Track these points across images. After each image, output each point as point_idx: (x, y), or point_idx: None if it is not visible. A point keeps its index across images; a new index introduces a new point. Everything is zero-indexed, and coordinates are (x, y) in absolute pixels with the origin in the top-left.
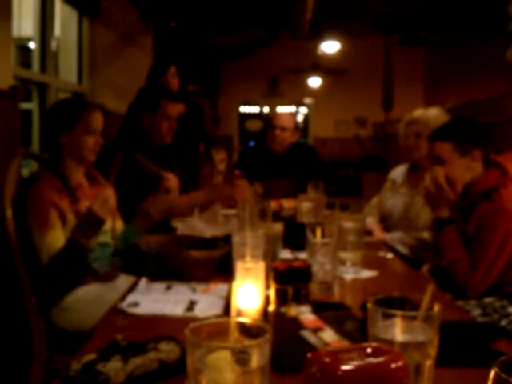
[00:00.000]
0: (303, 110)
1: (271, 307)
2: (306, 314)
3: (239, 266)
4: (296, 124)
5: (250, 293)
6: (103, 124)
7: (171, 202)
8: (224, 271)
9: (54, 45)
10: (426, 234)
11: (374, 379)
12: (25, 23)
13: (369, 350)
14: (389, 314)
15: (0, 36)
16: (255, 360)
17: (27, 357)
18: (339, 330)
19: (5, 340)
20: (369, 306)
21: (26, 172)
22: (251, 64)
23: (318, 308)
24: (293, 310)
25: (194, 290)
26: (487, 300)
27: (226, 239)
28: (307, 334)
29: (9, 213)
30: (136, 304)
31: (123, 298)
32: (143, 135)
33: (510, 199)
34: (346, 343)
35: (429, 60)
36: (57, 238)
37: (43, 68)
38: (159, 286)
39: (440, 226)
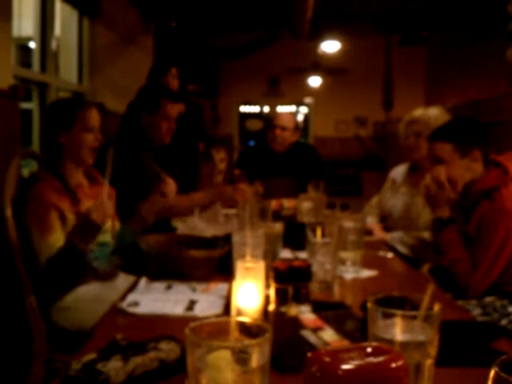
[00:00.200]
0: (303, 109)
1: (271, 307)
2: (306, 314)
3: (239, 266)
4: (296, 124)
5: (250, 292)
6: (100, 121)
7: (165, 205)
8: (224, 271)
9: (54, 44)
10: (426, 234)
11: (374, 379)
12: (25, 23)
13: (369, 350)
14: (389, 314)
15: (0, 36)
16: (255, 359)
17: (27, 356)
18: (339, 329)
19: (5, 339)
20: (369, 305)
21: (26, 172)
22: (251, 64)
23: (318, 307)
24: (293, 310)
25: (194, 290)
26: (487, 299)
27: (226, 239)
28: (307, 334)
29: (9, 212)
30: (136, 303)
31: (123, 297)
32: (142, 135)
33: (510, 199)
34: (346, 343)
35: (429, 60)
36: (56, 239)
37: (43, 68)
38: (159, 286)
39: (440, 226)
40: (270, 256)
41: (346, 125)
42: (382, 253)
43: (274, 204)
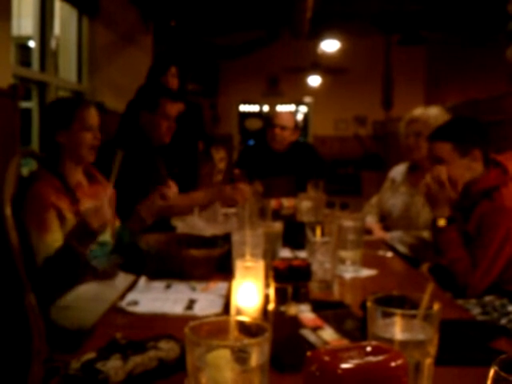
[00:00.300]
0: (303, 108)
1: (271, 306)
2: (305, 313)
3: (239, 265)
4: (296, 123)
5: (249, 291)
6: (99, 120)
7: (164, 205)
8: (224, 270)
9: (53, 44)
10: (425, 234)
11: (374, 378)
12: (24, 22)
13: (368, 349)
14: (388, 313)
15: (0, 35)
16: (255, 358)
17: (27, 355)
18: (339, 328)
19: (4, 339)
20: (368, 304)
21: (25, 171)
22: (251, 63)
23: (318, 307)
24: (292, 309)
25: (193, 289)
26: (487, 299)
27: (226, 238)
28: (307, 333)
29: (8, 211)
30: (135, 303)
31: (123, 296)
32: (142, 134)
33: (510, 198)
34: (345, 342)
35: (429, 59)
36: (54, 239)
37: (43, 67)
38: (159, 285)
39: (439, 228)
40: (269, 255)
41: (346, 124)
42: (381, 252)
43: (273, 203)
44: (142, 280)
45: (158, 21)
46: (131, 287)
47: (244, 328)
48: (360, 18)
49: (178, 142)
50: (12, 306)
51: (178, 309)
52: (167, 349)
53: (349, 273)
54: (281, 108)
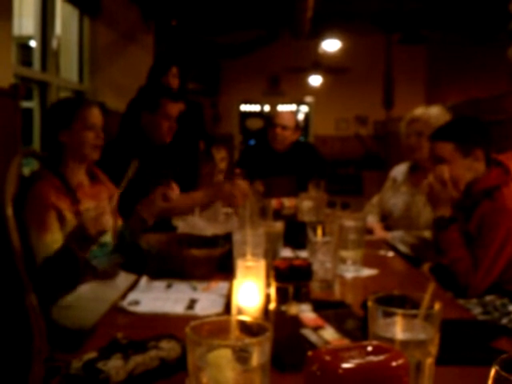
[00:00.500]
0: (304, 108)
1: (272, 305)
2: (306, 313)
3: (240, 265)
4: (297, 122)
5: (250, 291)
6: (102, 120)
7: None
8: (224, 269)
9: (54, 43)
10: (426, 233)
11: (375, 377)
12: (26, 22)
13: (369, 349)
14: (389, 313)
15: (1, 34)
16: (256, 358)
17: (28, 355)
18: (340, 328)
19: (5, 338)
20: (369, 304)
21: (26, 171)
22: (252, 62)
23: (319, 306)
24: (293, 309)
25: (194, 289)
26: (488, 298)
27: (227, 237)
28: (308, 333)
29: (9, 211)
30: (137, 302)
31: (124, 296)
32: (142, 134)
33: (511, 198)
34: (346, 341)
35: (429, 58)
36: (53, 239)
37: (44, 66)
38: (160, 285)
39: (442, 226)
40: (270, 255)
41: (347, 124)
42: (382, 252)
43: (274, 203)
44: (143, 280)
45: (159, 20)
46: (132, 287)
47: (245, 327)
48: (360, 17)
49: (178, 141)
50: (13, 305)
51: (179, 308)
52: (168, 348)
53: (350, 272)
54: (282, 108)
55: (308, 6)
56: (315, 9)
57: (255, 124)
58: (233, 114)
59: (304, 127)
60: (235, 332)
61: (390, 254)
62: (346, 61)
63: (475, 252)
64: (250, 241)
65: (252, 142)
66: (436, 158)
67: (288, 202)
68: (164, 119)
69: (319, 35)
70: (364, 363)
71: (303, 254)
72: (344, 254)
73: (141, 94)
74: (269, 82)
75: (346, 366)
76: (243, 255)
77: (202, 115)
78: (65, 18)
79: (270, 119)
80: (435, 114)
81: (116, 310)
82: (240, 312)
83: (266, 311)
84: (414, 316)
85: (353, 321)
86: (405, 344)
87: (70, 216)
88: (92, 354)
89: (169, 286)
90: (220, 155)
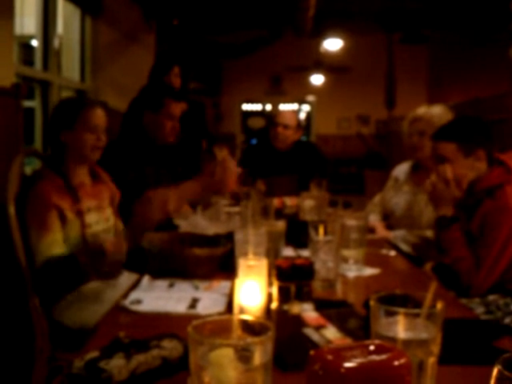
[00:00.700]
0: (306, 107)
1: (274, 305)
2: (308, 312)
3: (242, 264)
4: (298, 122)
5: (252, 290)
6: (105, 121)
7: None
8: (226, 269)
9: (56, 43)
10: (429, 233)
11: (377, 377)
12: (27, 21)
13: (371, 348)
14: (391, 312)
15: (3, 34)
16: (258, 357)
17: (30, 354)
18: (342, 327)
19: (8, 338)
20: (371, 303)
21: (28, 170)
22: (254, 62)
23: (321, 305)
24: (295, 308)
25: (196, 288)
26: (491, 298)
27: (229, 237)
28: (310, 332)
29: (11, 210)
30: (139, 301)
31: (126, 295)
32: (144, 134)
33: None
34: (348, 341)
35: (431, 58)
36: (53, 240)
37: (46, 66)
38: (162, 284)
39: (444, 225)
40: (272, 254)
41: (349, 123)
42: (384, 251)
43: (276, 202)
44: (145, 279)
45: (160, 20)
46: (134, 286)
47: (247, 327)
48: (362, 16)
49: (180, 141)
50: (15, 305)
51: (181, 308)
52: (170, 348)
53: (352, 272)
54: (283, 107)
55: (310, 5)
56: (317, 8)
57: (257, 123)
58: (235, 113)
59: (306, 126)
60: (237, 331)
61: (392, 253)
62: (347, 60)
63: (477, 251)
64: (251, 240)
65: (254, 142)
66: (438, 157)
67: (290, 201)
68: (167, 119)
69: (321, 34)
70: (366, 362)
71: (305, 253)
72: (346, 253)
73: (143, 94)
74: (271, 82)
75: (348, 365)
76: (245, 254)
77: (203, 115)
78: (66, 18)
79: (271, 118)
80: (438, 113)
81: (118, 309)
82: (242, 311)
83: (268, 310)
84: (417, 315)
85: (355, 320)
86: (407, 343)
87: (71, 216)
88: (94, 354)
89: (171, 285)
90: (222, 154)
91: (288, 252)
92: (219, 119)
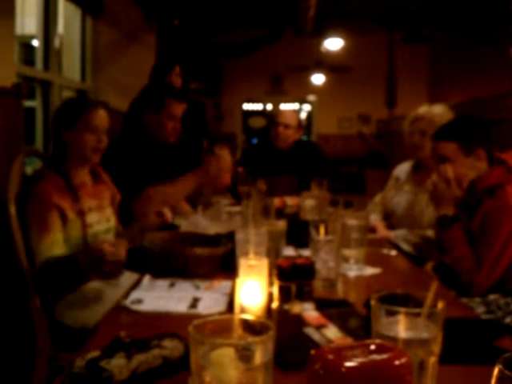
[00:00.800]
0: (306, 107)
1: (274, 304)
2: (309, 311)
3: (242, 263)
4: (299, 121)
5: (253, 290)
6: (108, 122)
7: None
8: (227, 268)
9: (57, 42)
10: (429, 232)
11: (378, 376)
12: (28, 21)
13: (372, 347)
14: (392, 311)
15: (3, 34)
16: (259, 357)
17: (31, 354)
18: (343, 327)
19: (9, 337)
20: (372, 302)
21: (29, 170)
22: (254, 61)
23: (322, 305)
24: (296, 307)
25: (197, 287)
26: (491, 297)
27: (230, 236)
28: (311, 331)
29: (13, 210)
30: (139, 301)
31: (127, 295)
32: (146, 133)
33: None
34: (349, 340)
35: (432, 58)
36: (54, 240)
37: (46, 66)
38: (163, 283)
39: (445, 224)
40: (273, 253)
41: (350, 122)
42: (385, 250)
43: (277, 201)
44: (146, 278)
45: (161, 19)
46: (135, 285)
47: (248, 326)
48: (363, 15)
49: (181, 140)
50: (16, 305)
51: (181, 307)
52: (171, 347)
53: (352, 271)
54: (284, 106)
55: (310, 5)
56: (318, 7)
57: (258, 123)
58: (235, 112)
59: (306, 126)
60: (238, 331)
61: (393, 252)
62: (348, 59)
63: (478, 251)
64: (252, 239)
65: (255, 141)
66: (438, 157)
67: (290, 201)
68: (168, 119)
69: (322, 34)
70: (367, 362)
71: (306, 252)
72: (347, 252)
73: (145, 93)
74: (271, 81)
75: (348, 364)
76: (246, 254)
77: (204, 115)
78: (67, 18)
79: (272, 118)
80: (439, 112)
81: (119, 308)
82: (243, 311)
83: (268, 310)
84: (417, 315)
85: (356, 319)
86: (408, 343)
87: (72, 215)
88: (95, 353)
89: (172, 285)
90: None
91: (289, 251)
92: (220, 119)
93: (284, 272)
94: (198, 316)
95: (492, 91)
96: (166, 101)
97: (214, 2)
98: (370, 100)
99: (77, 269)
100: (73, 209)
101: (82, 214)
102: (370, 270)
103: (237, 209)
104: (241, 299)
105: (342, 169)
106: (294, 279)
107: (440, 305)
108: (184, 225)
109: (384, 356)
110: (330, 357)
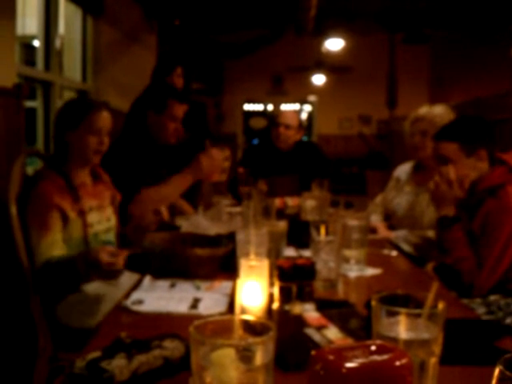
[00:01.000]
0: (307, 107)
1: (275, 305)
2: (309, 312)
3: (243, 264)
4: (300, 122)
5: (254, 290)
6: (110, 124)
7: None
8: (228, 269)
9: (58, 43)
10: (430, 233)
11: (379, 377)
12: (29, 21)
13: (373, 348)
14: (393, 312)
15: (4, 34)
16: (259, 357)
17: (32, 354)
18: (343, 327)
19: (10, 337)
20: (373, 303)
21: (30, 170)
22: (255, 62)
23: (322, 306)
24: (297, 308)
25: (198, 288)
26: (492, 298)
27: (230, 237)
28: (311, 332)
29: (13, 210)
30: (140, 301)
31: (127, 295)
32: (147, 134)
33: None
34: (350, 341)
35: (433, 58)
36: (54, 240)
37: (47, 66)
38: (163, 284)
39: (446, 225)
40: (273, 254)
41: (350, 123)
42: (386, 251)
43: (277, 202)
44: (147, 279)
45: (162, 20)
46: (136, 286)
47: (248, 327)
48: (364, 16)
49: (182, 141)
50: (17, 305)
51: (182, 308)
52: (172, 348)
53: (353, 272)
54: (285, 107)
55: (311, 5)
56: (318, 7)
57: (259, 123)
58: (236, 113)
59: (307, 126)
60: (239, 331)
61: (394, 253)
62: (349, 60)
63: (479, 251)
64: (253, 240)
65: (255, 142)
66: (440, 157)
67: (291, 202)
68: (170, 120)
69: (322, 34)
70: (368, 363)
71: (306, 253)
72: (347, 253)
73: (147, 94)
74: (272, 82)
75: (349, 365)
76: (246, 254)
77: (205, 115)
78: (68, 18)
79: (273, 118)
80: (440, 113)
81: (120, 309)
82: (243, 311)
83: (269, 310)
84: (418, 315)
85: (356, 320)
86: (408, 343)
87: (73, 215)
88: (96, 354)
89: (172, 286)
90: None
91: (289, 252)
92: (221, 119)
93: (285, 272)
94: (199, 316)
95: (493, 91)
96: (168, 102)
97: (215, 1)
98: (370, 100)
99: (75, 271)
100: (73, 209)
101: (82, 213)
102: (371, 271)
103: (237, 209)
104: (241, 300)
105: (343, 169)
106: (294, 280)
107: (441, 305)
108: (185, 225)
109: (385, 357)
110: (331, 357)
